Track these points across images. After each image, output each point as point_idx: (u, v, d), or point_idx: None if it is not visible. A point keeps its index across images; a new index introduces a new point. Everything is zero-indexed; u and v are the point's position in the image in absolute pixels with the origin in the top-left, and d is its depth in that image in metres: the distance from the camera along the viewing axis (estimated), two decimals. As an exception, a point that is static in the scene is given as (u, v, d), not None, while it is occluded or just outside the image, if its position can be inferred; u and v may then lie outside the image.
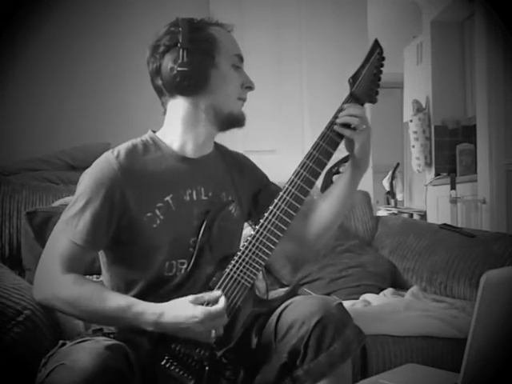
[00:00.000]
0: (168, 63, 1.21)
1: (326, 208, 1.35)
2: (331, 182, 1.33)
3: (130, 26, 2.68)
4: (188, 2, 2.61)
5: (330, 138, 1.25)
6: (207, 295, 1.12)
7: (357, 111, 1.24)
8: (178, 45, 1.19)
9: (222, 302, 1.11)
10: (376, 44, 1.31)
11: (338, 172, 1.28)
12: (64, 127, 2.61)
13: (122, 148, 1.24)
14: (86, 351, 0.98)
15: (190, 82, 1.20)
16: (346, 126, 1.25)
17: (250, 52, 2.75)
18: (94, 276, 1.66)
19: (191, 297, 1.11)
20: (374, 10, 3.71)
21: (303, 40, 3.07)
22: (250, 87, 1.29)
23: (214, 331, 1.09)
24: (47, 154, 2.38)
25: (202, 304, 1.10)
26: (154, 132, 1.31)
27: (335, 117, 1.26)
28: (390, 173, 4.93)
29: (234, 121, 1.28)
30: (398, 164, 4.99)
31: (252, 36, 2.88)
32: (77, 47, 2.66)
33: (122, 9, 2.74)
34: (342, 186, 1.33)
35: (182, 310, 1.09)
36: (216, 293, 1.13)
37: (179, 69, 1.19)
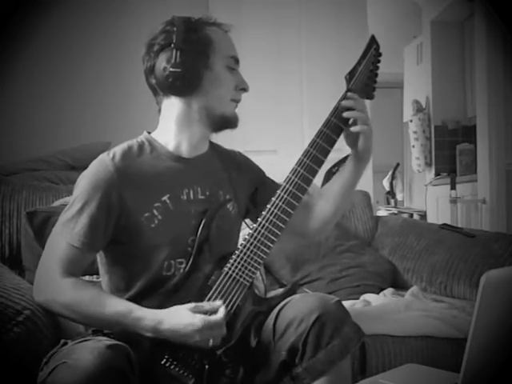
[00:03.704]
0: (162, 63, 1.21)
1: (327, 202, 1.35)
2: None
3: (129, 26, 2.68)
4: (187, 2, 2.61)
5: (333, 124, 1.26)
6: (207, 304, 1.12)
7: (358, 105, 1.24)
8: (172, 45, 1.19)
9: (222, 312, 1.10)
10: (372, 40, 1.31)
11: (337, 172, 1.29)
12: (64, 127, 2.61)
13: (118, 150, 1.24)
14: (87, 350, 0.98)
15: (183, 83, 1.20)
16: (347, 120, 1.26)
17: (250, 52, 2.77)
18: (94, 276, 1.66)
19: (191, 305, 1.10)
20: (374, 10, 3.71)
21: (303, 40, 3.07)
22: (244, 89, 1.28)
23: (211, 340, 1.09)
24: (47, 154, 2.38)
25: (202, 313, 1.10)
26: (150, 133, 1.31)
27: (338, 104, 1.26)
28: (390, 173, 4.93)
29: (226, 122, 1.27)
30: (397, 164, 4.99)
31: (252, 36, 2.88)
32: (76, 47, 2.66)
33: (122, 8, 2.74)
34: (343, 179, 1.33)
35: (180, 317, 1.08)
36: (216, 303, 1.13)
37: (172, 69, 1.19)
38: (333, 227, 1.39)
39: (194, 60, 1.20)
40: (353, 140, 1.28)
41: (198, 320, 1.07)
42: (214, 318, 1.09)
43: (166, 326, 1.08)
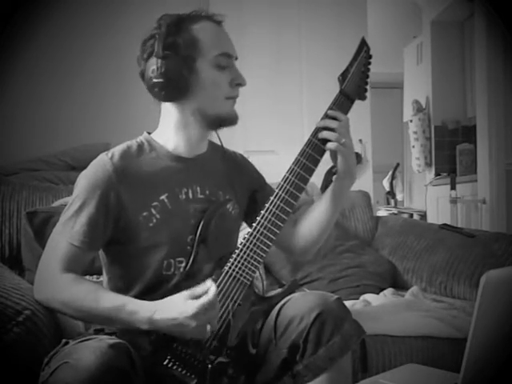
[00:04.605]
0: (149, 71, 1.20)
1: (311, 223, 1.35)
2: (331, 181, 1.33)
3: (129, 26, 2.67)
4: (188, 2, 2.60)
5: (315, 145, 1.25)
6: (199, 288, 1.09)
7: (334, 124, 1.24)
8: (154, 54, 1.18)
9: (212, 291, 1.07)
10: (363, 42, 1.32)
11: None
12: (64, 127, 2.61)
13: (117, 150, 1.25)
14: (89, 350, 0.97)
15: (168, 92, 1.20)
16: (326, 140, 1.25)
17: (250, 51, 2.77)
18: (95, 276, 1.66)
19: (184, 293, 1.09)
20: (374, 10, 3.71)
21: (303, 40, 3.07)
22: (240, 84, 1.26)
23: (209, 326, 1.08)
24: (47, 154, 2.38)
25: (195, 298, 1.07)
26: (149, 133, 1.31)
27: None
28: (390, 173, 4.93)
29: (223, 121, 1.27)
30: (397, 164, 5.00)
31: (252, 35, 2.89)
32: (76, 47, 2.66)
33: (122, 8, 2.74)
34: (326, 200, 1.32)
35: (174, 306, 1.07)
36: (207, 283, 1.09)
37: (155, 80, 1.19)
38: (326, 237, 1.39)
39: (178, 67, 1.18)
40: (334, 158, 1.27)
41: (190, 306, 1.05)
42: (205, 299, 1.05)
43: (161, 316, 1.07)
